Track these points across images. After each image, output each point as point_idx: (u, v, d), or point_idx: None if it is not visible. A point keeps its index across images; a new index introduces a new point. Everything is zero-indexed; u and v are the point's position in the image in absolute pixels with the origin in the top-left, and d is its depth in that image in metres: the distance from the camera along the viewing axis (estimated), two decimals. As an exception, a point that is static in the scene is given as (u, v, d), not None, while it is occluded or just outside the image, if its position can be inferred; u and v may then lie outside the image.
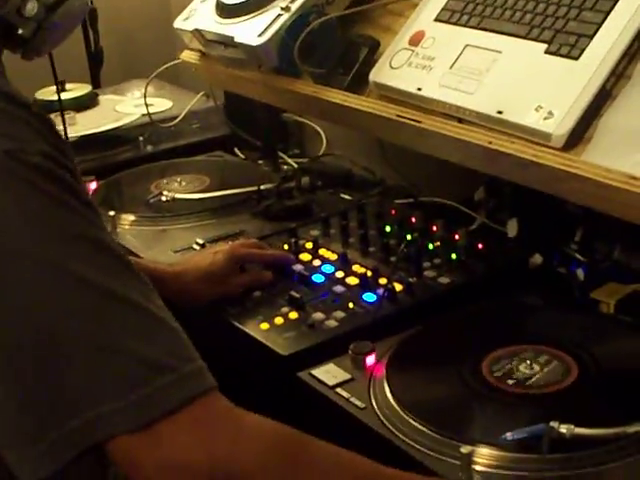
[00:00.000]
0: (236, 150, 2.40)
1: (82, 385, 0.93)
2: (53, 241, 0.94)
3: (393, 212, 1.82)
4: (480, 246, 1.65)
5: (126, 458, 0.95)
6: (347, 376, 1.31)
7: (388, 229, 1.75)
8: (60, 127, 2.19)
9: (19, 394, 0.94)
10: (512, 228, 1.74)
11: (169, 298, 1.49)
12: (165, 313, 1.00)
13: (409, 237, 1.66)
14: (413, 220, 1.77)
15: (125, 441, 0.93)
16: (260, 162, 2.28)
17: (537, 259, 1.62)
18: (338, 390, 1.29)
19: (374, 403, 1.26)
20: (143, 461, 0.95)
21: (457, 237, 1.67)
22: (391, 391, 1.27)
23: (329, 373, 1.33)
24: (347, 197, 1.98)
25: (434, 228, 1.73)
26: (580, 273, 1.59)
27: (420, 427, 1.19)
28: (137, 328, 0.96)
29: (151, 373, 0.94)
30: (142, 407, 0.93)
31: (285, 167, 2.26)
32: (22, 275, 0.93)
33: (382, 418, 1.23)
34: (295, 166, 2.25)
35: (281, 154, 2.34)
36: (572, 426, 1.10)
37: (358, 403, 1.25)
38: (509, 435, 1.12)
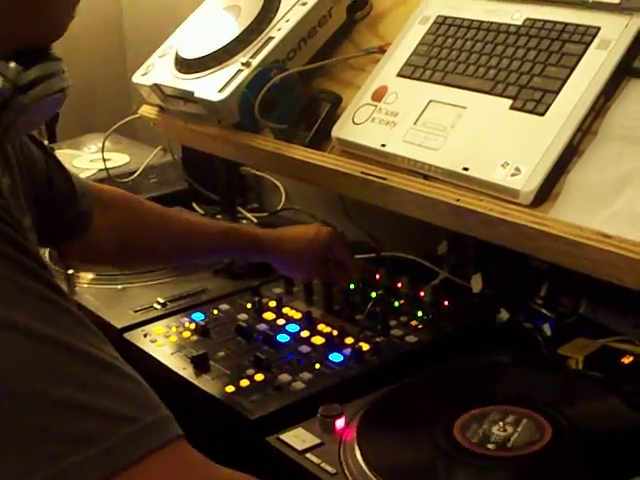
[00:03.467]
0: (194, 205, 2.38)
1: (38, 441, 0.88)
2: (4, 299, 0.90)
3: (356, 268, 1.80)
4: (446, 303, 1.64)
5: None
6: (317, 440, 1.28)
7: (352, 286, 1.73)
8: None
9: None
10: (476, 283, 1.73)
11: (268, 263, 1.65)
12: (123, 364, 0.96)
13: (374, 295, 1.64)
14: (377, 277, 1.75)
15: None
16: (219, 217, 2.26)
17: (504, 315, 1.61)
18: (308, 455, 1.26)
19: (345, 468, 1.22)
20: None
21: (422, 294, 1.66)
22: (362, 455, 1.24)
23: (298, 437, 1.29)
24: (309, 253, 1.95)
25: (399, 285, 1.71)
26: (547, 328, 1.58)
27: (393, 493, 1.16)
28: (92, 380, 0.92)
29: (110, 426, 0.90)
30: (101, 462, 0.88)
31: (244, 222, 2.24)
32: None
33: (354, 484, 1.20)
34: (254, 220, 2.24)
35: (240, 209, 2.32)
36: (550, 491, 1.08)
37: (329, 469, 1.22)
38: (486, 501, 1.10)
